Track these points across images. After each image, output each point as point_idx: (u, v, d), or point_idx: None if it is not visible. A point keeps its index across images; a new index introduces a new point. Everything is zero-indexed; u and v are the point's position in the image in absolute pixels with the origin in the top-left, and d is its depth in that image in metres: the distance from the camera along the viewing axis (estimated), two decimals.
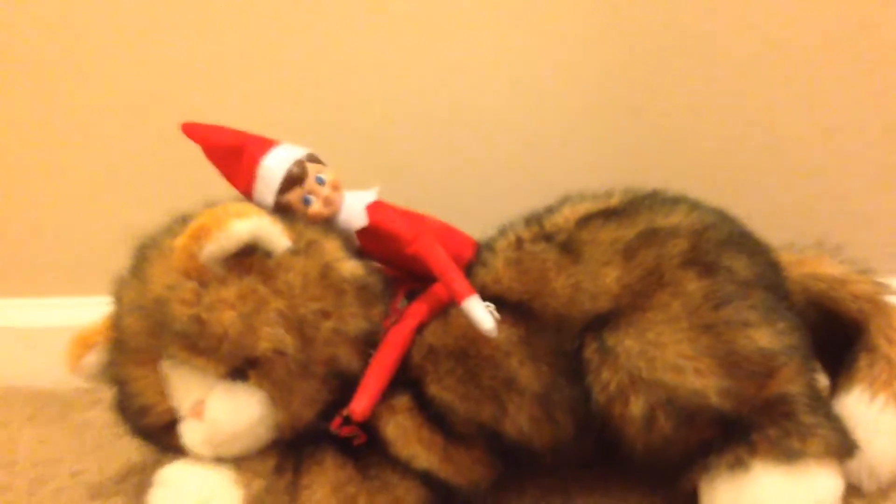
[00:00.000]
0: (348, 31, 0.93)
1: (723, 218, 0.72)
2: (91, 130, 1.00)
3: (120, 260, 0.71)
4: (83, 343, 0.73)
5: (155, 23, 0.95)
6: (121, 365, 0.69)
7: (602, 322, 0.67)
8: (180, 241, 0.65)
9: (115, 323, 0.70)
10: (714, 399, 0.63)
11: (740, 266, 0.68)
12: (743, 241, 0.71)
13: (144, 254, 0.70)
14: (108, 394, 0.73)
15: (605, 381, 0.65)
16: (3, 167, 1.02)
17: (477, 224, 0.77)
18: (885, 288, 0.74)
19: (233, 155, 0.73)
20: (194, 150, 0.73)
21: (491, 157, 0.96)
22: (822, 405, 0.66)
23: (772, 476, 0.63)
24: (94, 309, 0.73)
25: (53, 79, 0.98)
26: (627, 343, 0.65)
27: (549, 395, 0.67)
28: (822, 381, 0.72)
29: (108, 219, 1.02)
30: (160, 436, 0.71)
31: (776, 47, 0.88)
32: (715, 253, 0.68)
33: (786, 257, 0.73)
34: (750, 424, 0.64)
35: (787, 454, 0.63)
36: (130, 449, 0.78)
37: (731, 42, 0.89)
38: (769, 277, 0.69)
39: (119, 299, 0.70)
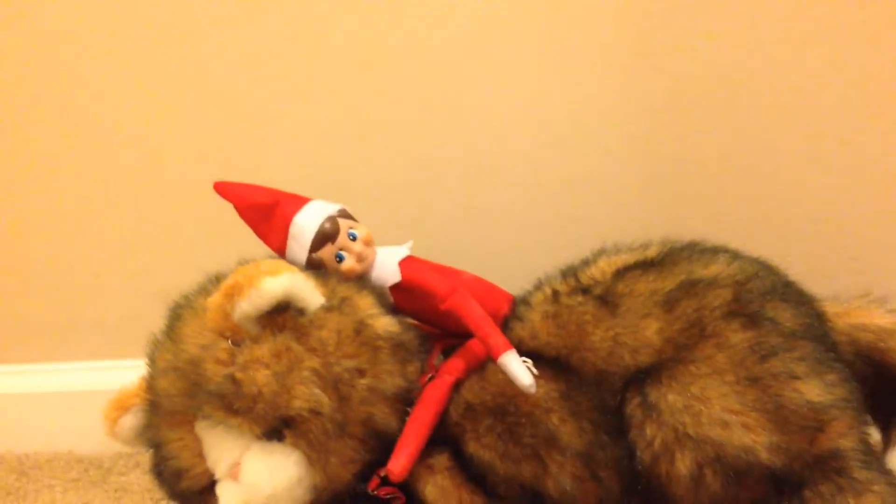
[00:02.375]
0: (375, 85, 0.94)
1: (765, 268, 0.71)
2: (123, 191, 1.01)
3: (156, 321, 0.71)
4: (119, 406, 0.73)
5: (184, 82, 0.96)
6: (156, 427, 0.69)
7: (644, 376, 0.65)
8: (213, 301, 0.65)
9: (150, 385, 0.69)
10: (764, 455, 0.61)
11: (785, 317, 0.66)
12: (787, 291, 0.69)
13: (178, 314, 0.70)
14: (147, 457, 0.73)
15: (649, 437, 0.64)
16: (37, 232, 1.03)
17: (512, 278, 0.76)
18: None
19: (265, 213, 0.73)
20: (227, 209, 0.73)
21: (525, 209, 0.95)
22: (875, 460, 0.64)
23: None
24: (134, 371, 0.73)
25: (85, 140, 0.99)
26: (671, 398, 0.64)
27: (591, 453, 0.66)
28: (874, 434, 0.69)
29: (143, 280, 1.02)
30: (198, 499, 0.70)
31: (816, 96, 0.88)
32: (758, 303, 0.66)
33: (831, 308, 0.71)
34: (801, 481, 0.62)
35: None
36: None
37: (771, 89, 0.89)
38: (815, 328, 0.67)
39: (153, 361, 0.70)
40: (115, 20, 0.95)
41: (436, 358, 0.73)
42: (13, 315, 1.07)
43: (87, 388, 1.04)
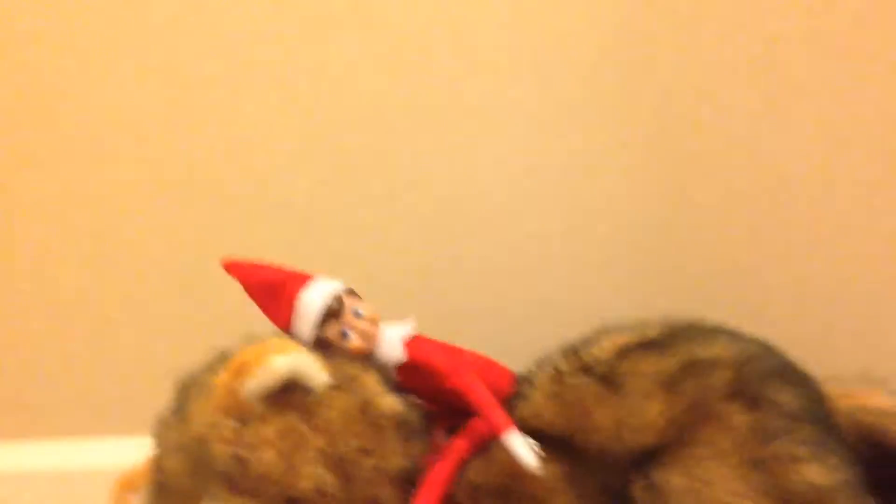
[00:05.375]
0: (377, 158, 0.96)
1: (766, 349, 0.71)
2: (129, 268, 1.01)
3: (163, 398, 0.71)
4: (127, 486, 0.72)
5: (186, 150, 0.98)
6: None
7: (648, 458, 0.66)
8: (221, 379, 0.65)
9: (157, 465, 0.69)
10: None
11: (787, 398, 0.66)
12: (788, 372, 0.69)
13: (185, 392, 0.70)
14: None
15: None
16: (42, 306, 1.04)
17: (512, 355, 0.77)
18: None
19: (272, 291, 0.74)
20: (234, 287, 0.74)
21: (526, 287, 0.96)
22: None
23: None
24: (142, 449, 0.72)
25: (88, 212, 1.01)
26: (675, 480, 0.64)
27: None
28: None
29: (150, 357, 1.02)
30: None
31: (811, 172, 0.90)
32: (760, 385, 0.67)
33: (833, 389, 0.72)
34: None
35: None
36: None
37: (767, 163, 0.90)
38: (817, 410, 0.68)
39: (160, 440, 0.70)
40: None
41: (440, 437, 0.73)
42: (18, 391, 1.06)
43: (94, 467, 1.03)
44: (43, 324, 1.04)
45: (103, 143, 0.98)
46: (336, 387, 0.68)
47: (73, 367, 1.05)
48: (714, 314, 0.75)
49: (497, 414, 0.68)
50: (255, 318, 0.74)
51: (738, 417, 0.65)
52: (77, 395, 1.06)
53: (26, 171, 1.00)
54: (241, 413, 0.65)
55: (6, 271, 1.03)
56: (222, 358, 0.70)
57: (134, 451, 0.73)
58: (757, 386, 0.67)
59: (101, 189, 1.00)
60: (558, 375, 0.72)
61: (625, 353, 0.71)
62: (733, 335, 0.72)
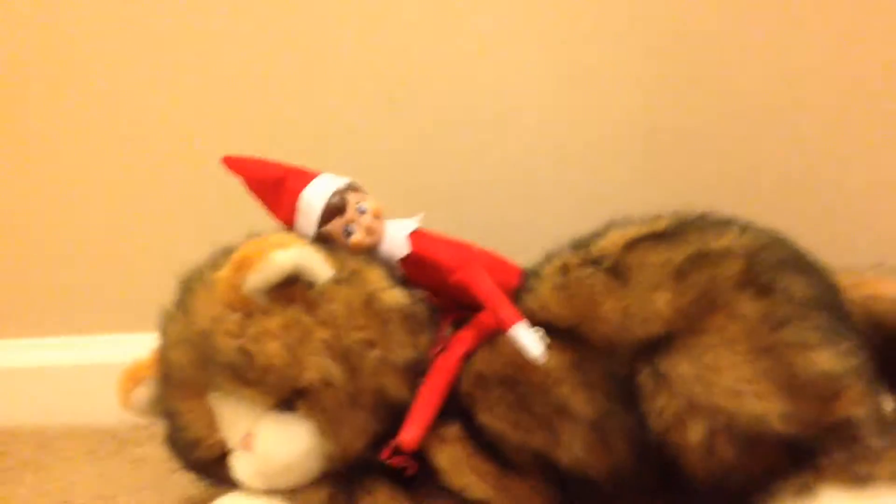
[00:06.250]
0: (382, 54, 0.94)
1: (776, 239, 0.70)
2: (133, 167, 1.01)
3: (169, 295, 0.71)
4: (132, 378, 0.74)
5: (192, 56, 0.97)
6: (169, 399, 0.69)
7: (655, 347, 0.65)
8: (223, 274, 0.65)
9: (162, 357, 0.70)
10: (776, 424, 0.61)
11: (798, 287, 0.65)
12: (799, 261, 0.68)
13: (189, 287, 0.70)
14: (161, 428, 0.73)
15: (660, 407, 0.63)
16: (51, 207, 1.04)
17: (520, 252, 0.76)
18: None
19: (274, 187, 0.73)
20: (236, 184, 0.73)
21: (533, 182, 0.95)
22: (889, 428, 0.63)
23: (840, 501, 0.60)
24: (148, 344, 0.73)
25: (96, 112, 1.00)
26: (682, 368, 0.63)
27: (603, 422, 0.66)
28: (888, 403, 0.69)
29: (154, 254, 1.03)
30: (212, 469, 0.71)
31: (833, 61, 0.88)
32: (770, 274, 0.66)
33: (845, 279, 0.70)
34: (815, 449, 0.61)
35: (856, 478, 0.60)
36: (186, 483, 0.78)
37: (785, 58, 0.88)
38: (828, 298, 0.67)
39: (165, 333, 0.70)
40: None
41: (446, 330, 0.73)
42: (28, 289, 1.07)
43: (103, 361, 1.03)
44: (49, 224, 1.05)
45: (113, 44, 0.98)
46: (339, 280, 0.68)
47: (80, 267, 1.06)
48: (725, 206, 0.74)
49: (504, 307, 0.68)
50: (258, 215, 0.73)
51: (748, 305, 0.64)
52: (85, 293, 1.06)
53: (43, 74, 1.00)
54: (244, 306, 0.65)
55: (14, 172, 1.04)
56: (225, 253, 0.70)
57: (141, 347, 0.74)
58: (768, 275, 0.66)
59: (105, 88, 0.99)
60: (565, 268, 0.71)
61: (633, 245, 0.70)
62: (744, 226, 0.71)
